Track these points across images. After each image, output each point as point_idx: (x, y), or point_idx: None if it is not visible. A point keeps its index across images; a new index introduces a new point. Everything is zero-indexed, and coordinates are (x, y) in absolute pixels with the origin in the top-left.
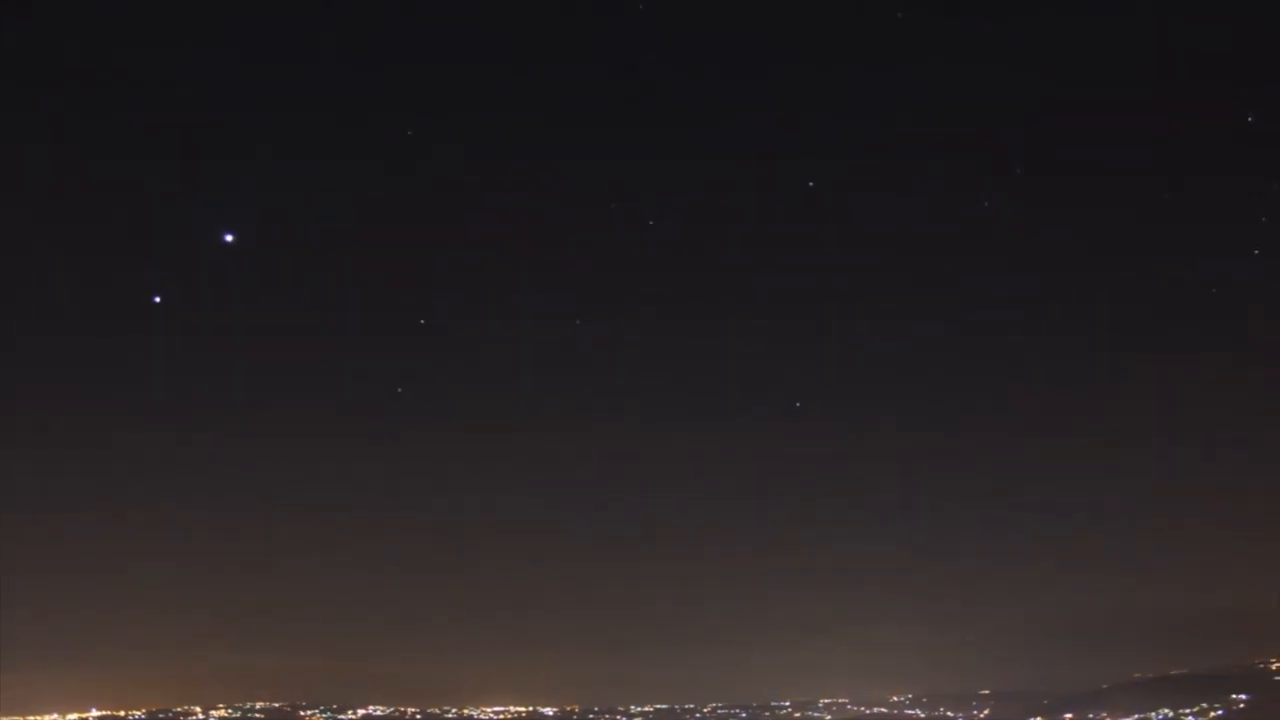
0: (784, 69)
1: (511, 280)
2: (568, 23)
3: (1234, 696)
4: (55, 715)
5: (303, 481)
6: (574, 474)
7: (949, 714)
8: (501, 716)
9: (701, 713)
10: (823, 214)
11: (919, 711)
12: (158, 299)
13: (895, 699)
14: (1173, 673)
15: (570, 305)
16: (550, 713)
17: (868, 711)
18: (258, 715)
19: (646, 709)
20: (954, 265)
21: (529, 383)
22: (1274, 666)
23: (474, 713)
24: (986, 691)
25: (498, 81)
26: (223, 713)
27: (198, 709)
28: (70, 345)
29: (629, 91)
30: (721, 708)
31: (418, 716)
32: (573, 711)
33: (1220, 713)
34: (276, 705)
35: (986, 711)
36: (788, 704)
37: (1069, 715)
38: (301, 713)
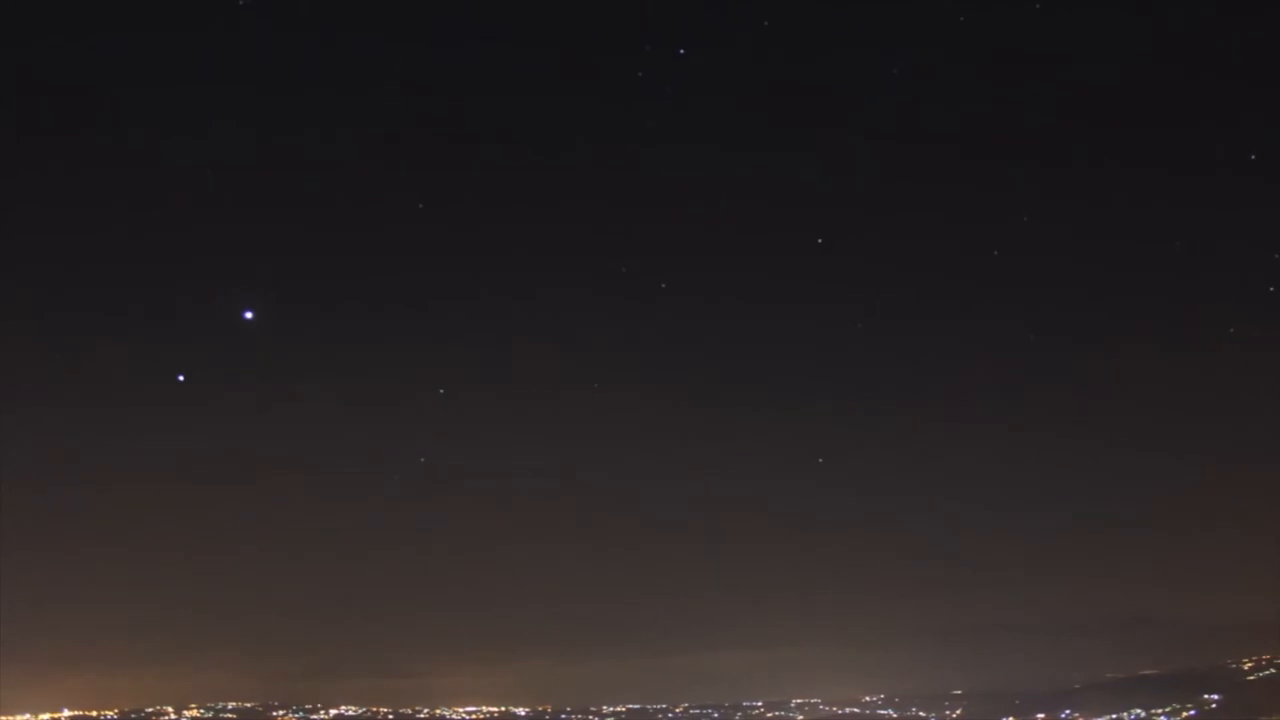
0: (790, 125)
1: (525, 348)
2: (580, 91)
3: (1206, 696)
4: (27, 715)
5: (281, 486)
6: (553, 479)
7: (921, 714)
8: (474, 717)
9: (673, 712)
10: (832, 270)
11: (891, 712)
12: (181, 378)
13: (867, 699)
14: (1145, 672)
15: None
16: (523, 713)
17: (840, 711)
18: (230, 715)
19: (619, 709)
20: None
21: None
22: (1246, 666)
23: (446, 713)
24: (959, 691)
25: (512, 150)
26: (195, 712)
27: (170, 709)
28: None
29: (641, 156)
30: (694, 708)
31: (390, 717)
32: (545, 711)
33: (1192, 712)
34: (249, 705)
35: (959, 711)
36: (760, 704)
37: (1041, 715)
38: (274, 713)
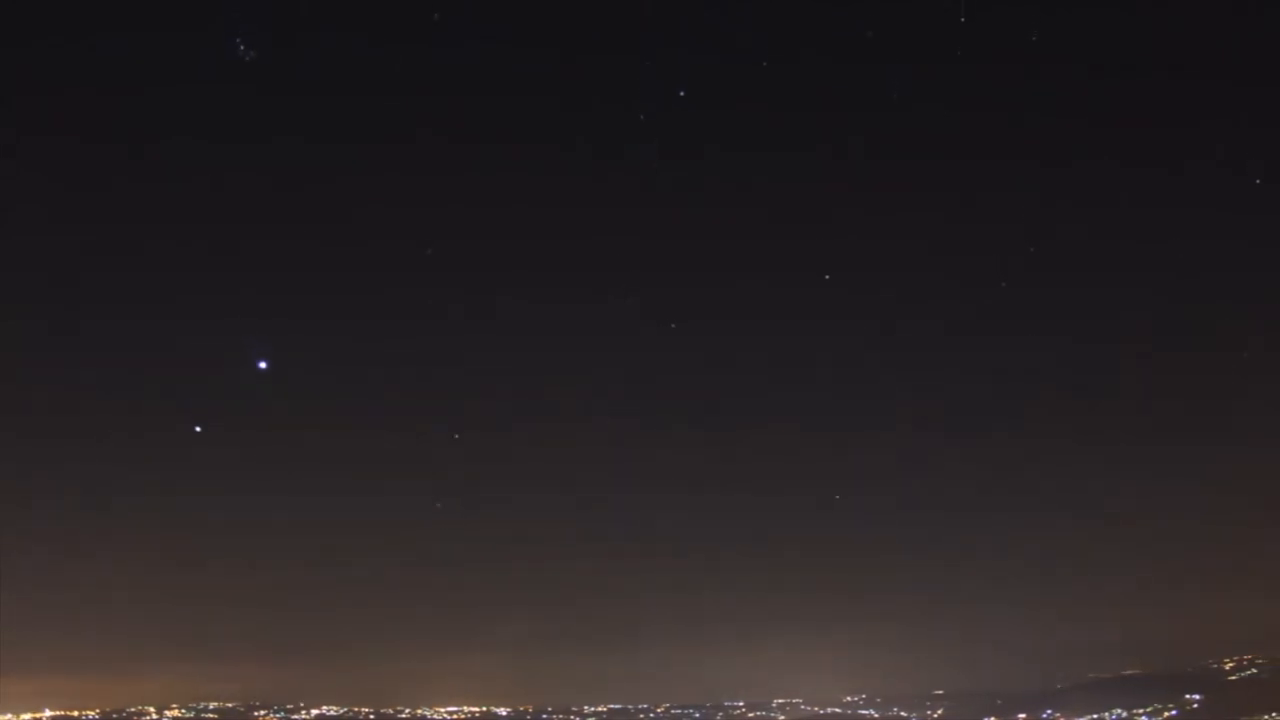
0: (796, 159)
1: (539, 387)
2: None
3: (1188, 696)
4: (9, 715)
5: (262, 489)
6: (532, 478)
7: (903, 714)
8: (455, 717)
9: (655, 713)
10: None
11: (873, 712)
12: (199, 429)
13: (849, 699)
14: (1127, 673)
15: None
16: (504, 713)
17: (821, 711)
18: (211, 715)
19: (600, 709)
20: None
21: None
22: (1227, 666)
23: (428, 713)
24: (940, 692)
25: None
26: (176, 713)
27: (151, 709)
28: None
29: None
30: (675, 708)
31: (371, 717)
32: (526, 711)
33: (1174, 713)
34: (230, 705)
35: (940, 711)
36: (741, 704)
37: (1023, 715)
38: (255, 713)
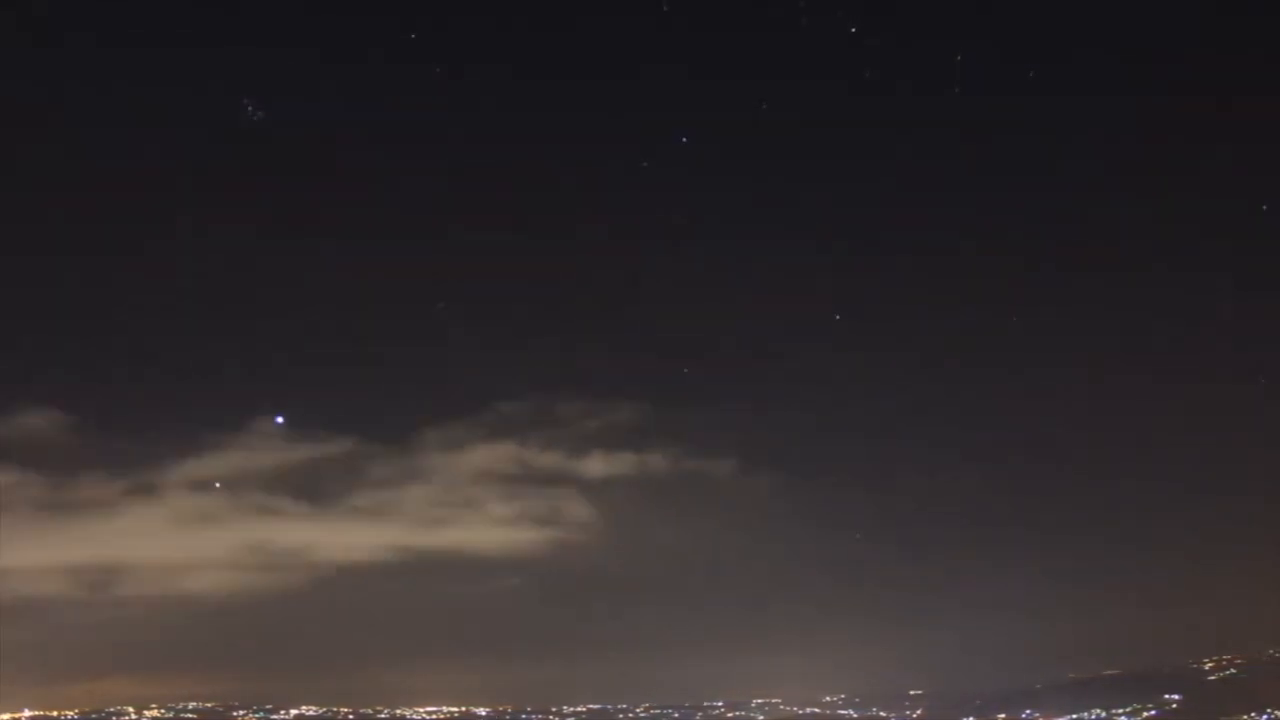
0: (807, 192)
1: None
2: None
3: (1167, 697)
4: None
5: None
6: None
7: (882, 714)
8: (435, 717)
9: (635, 712)
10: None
11: (852, 712)
12: (218, 485)
13: (828, 699)
14: (1106, 673)
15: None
16: (484, 713)
17: (801, 711)
18: (190, 715)
19: (580, 709)
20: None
21: None
22: (1207, 667)
23: (407, 713)
24: (920, 691)
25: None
26: (156, 713)
27: (130, 709)
28: None
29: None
30: (655, 708)
31: (350, 717)
32: (506, 712)
33: (1153, 713)
34: (209, 705)
35: (920, 711)
36: (720, 704)
37: (1002, 715)
38: (235, 713)
